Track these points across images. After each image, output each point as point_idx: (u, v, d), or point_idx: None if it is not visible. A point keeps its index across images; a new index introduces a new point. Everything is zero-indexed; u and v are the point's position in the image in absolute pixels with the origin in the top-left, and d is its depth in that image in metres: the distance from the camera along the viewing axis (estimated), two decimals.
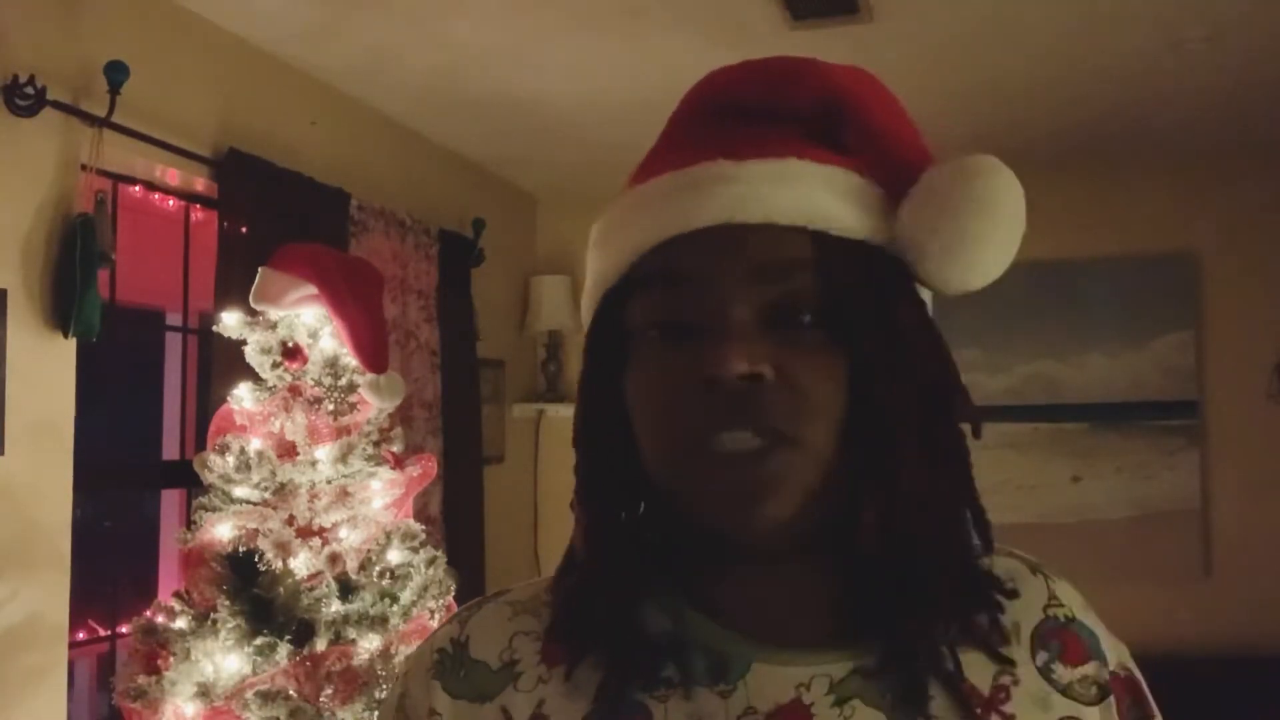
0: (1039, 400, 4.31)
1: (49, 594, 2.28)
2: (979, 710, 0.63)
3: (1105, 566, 4.18)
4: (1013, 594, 0.68)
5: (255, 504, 2.18)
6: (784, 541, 0.63)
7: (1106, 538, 4.24)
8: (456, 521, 3.60)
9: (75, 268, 2.24)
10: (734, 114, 0.67)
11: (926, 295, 0.67)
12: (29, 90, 2.18)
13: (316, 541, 2.19)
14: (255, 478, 2.17)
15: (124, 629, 2.59)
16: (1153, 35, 3.00)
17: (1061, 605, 0.70)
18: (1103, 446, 4.30)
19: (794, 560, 0.65)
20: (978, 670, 0.64)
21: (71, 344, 2.32)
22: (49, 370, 2.28)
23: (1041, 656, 0.66)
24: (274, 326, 2.29)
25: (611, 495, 0.67)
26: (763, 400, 0.60)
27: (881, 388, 0.62)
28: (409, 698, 0.69)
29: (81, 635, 2.81)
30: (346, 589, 2.16)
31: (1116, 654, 0.70)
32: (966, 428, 0.66)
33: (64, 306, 2.25)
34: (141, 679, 2.06)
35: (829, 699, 0.62)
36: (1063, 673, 0.66)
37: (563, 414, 4.49)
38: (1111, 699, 0.67)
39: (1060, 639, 0.68)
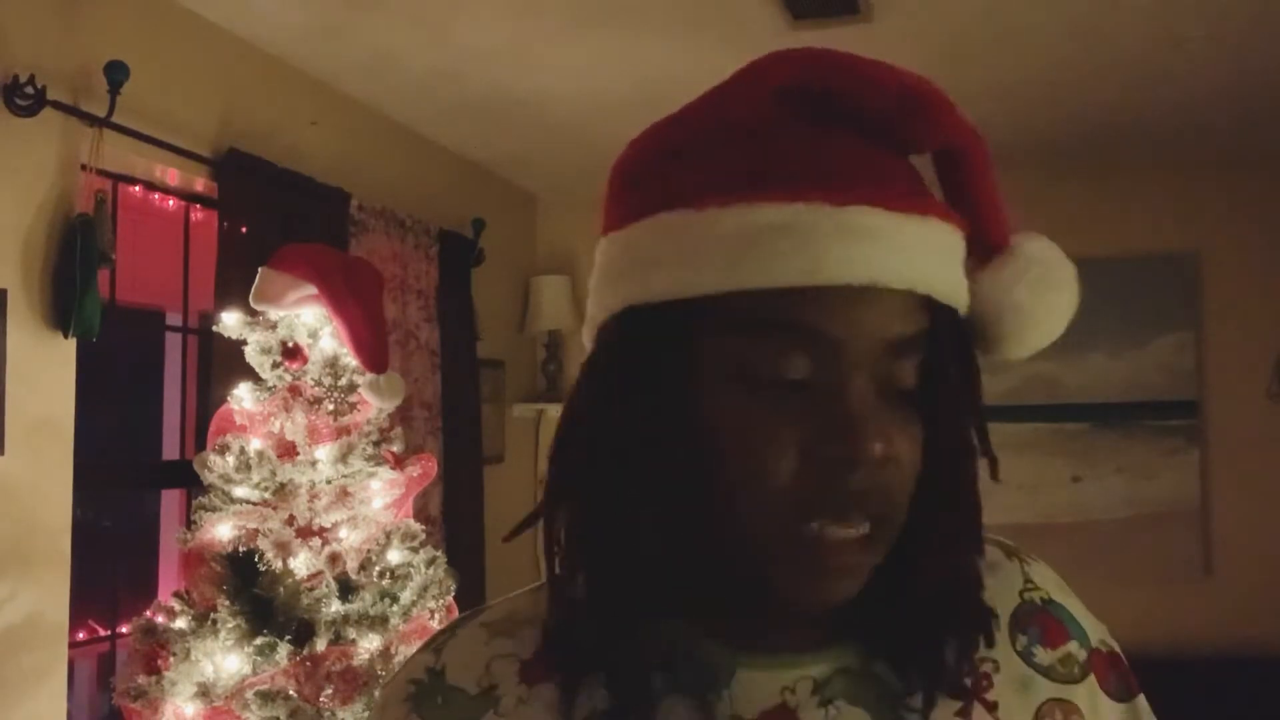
0: (1039, 400, 4.31)
1: (49, 594, 2.28)
2: (962, 701, 0.63)
3: (1105, 566, 4.18)
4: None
5: (255, 504, 2.18)
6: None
7: (1106, 538, 4.24)
8: (456, 521, 3.60)
9: (75, 268, 2.24)
10: (857, 127, 0.60)
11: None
12: (29, 90, 2.18)
13: (316, 541, 2.19)
14: (255, 478, 2.17)
15: (124, 629, 2.59)
16: (1153, 35, 3.00)
17: (1037, 588, 0.69)
18: (1103, 446, 4.31)
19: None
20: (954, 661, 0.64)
21: (71, 344, 2.32)
22: (49, 370, 2.28)
23: (1021, 641, 0.66)
24: (274, 326, 2.29)
25: (647, 528, 0.61)
26: (881, 485, 0.58)
27: (951, 450, 0.62)
28: None
29: (81, 635, 2.81)
30: (346, 589, 2.16)
31: (1096, 631, 0.70)
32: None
33: (64, 306, 2.25)
34: (141, 679, 2.06)
35: (814, 700, 0.62)
36: (1043, 655, 0.66)
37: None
38: (1093, 676, 0.67)
39: (1038, 622, 0.68)
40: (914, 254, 0.57)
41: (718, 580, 0.63)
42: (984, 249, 0.63)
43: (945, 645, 0.63)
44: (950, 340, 0.61)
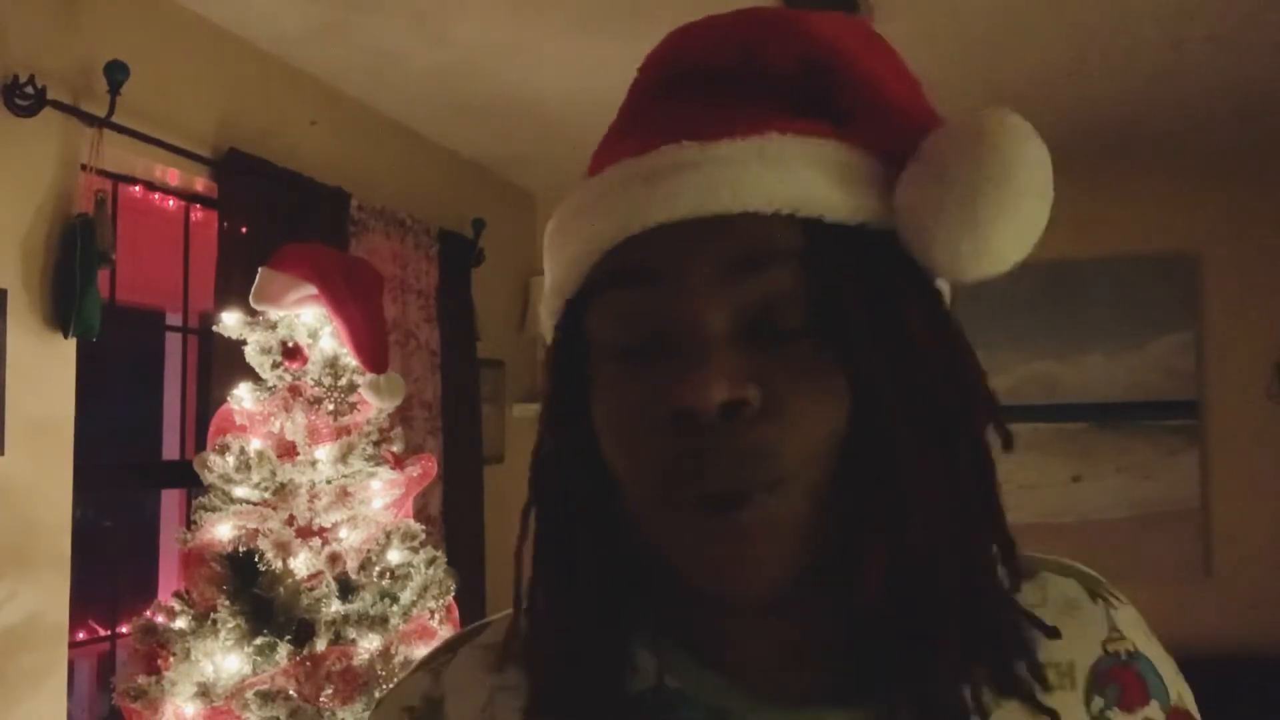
0: (1039, 400, 4.31)
1: (49, 594, 2.28)
2: None
3: (1105, 566, 4.14)
4: (1053, 633, 0.57)
5: (255, 504, 2.18)
6: (774, 598, 0.52)
7: (1106, 538, 4.24)
8: (456, 521, 3.60)
9: (75, 268, 2.24)
10: (699, 83, 0.57)
11: (944, 285, 0.57)
12: (29, 90, 2.18)
13: (316, 541, 2.19)
14: (255, 478, 2.17)
15: (124, 629, 2.59)
16: (1154, 35, 3.00)
17: (1123, 638, 0.60)
18: (1103, 446, 4.31)
19: (791, 606, 0.54)
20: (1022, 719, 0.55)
21: (71, 344, 2.32)
22: (49, 370, 2.28)
23: (1097, 703, 0.58)
24: (274, 326, 2.29)
25: (584, 539, 0.56)
26: (747, 434, 0.49)
27: (886, 406, 0.51)
28: None
29: (81, 635, 2.81)
30: (346, 589, 2.16)
31: (1175, 685, 0.62)
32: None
33: (64, 306, 2.25)
34: (141, 679, 2.06)
35: None
36: (1119, 719, 0.58)
37: None
38: None
39: (1120, 680, 0.59)
40: (742, 175, 0.51)
41: (674, 590, 0.57)
42: (906, 150, 0.53)
43: (961, 685, 0.54)
44: (846, 261, 0.52)
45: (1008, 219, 0.51)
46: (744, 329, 0.51)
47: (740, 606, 0.53)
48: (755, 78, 0.56)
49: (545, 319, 0.61)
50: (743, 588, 0.51)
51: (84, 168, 2.32)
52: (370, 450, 2.28)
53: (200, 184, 2.77)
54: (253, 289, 2.27)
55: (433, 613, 2.28)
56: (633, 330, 0.53)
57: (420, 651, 2.11)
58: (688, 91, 0.57)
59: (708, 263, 0.51)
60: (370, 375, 2.30)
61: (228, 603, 2.07)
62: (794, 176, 0.52)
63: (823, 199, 0.52)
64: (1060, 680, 0.57)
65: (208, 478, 2.20)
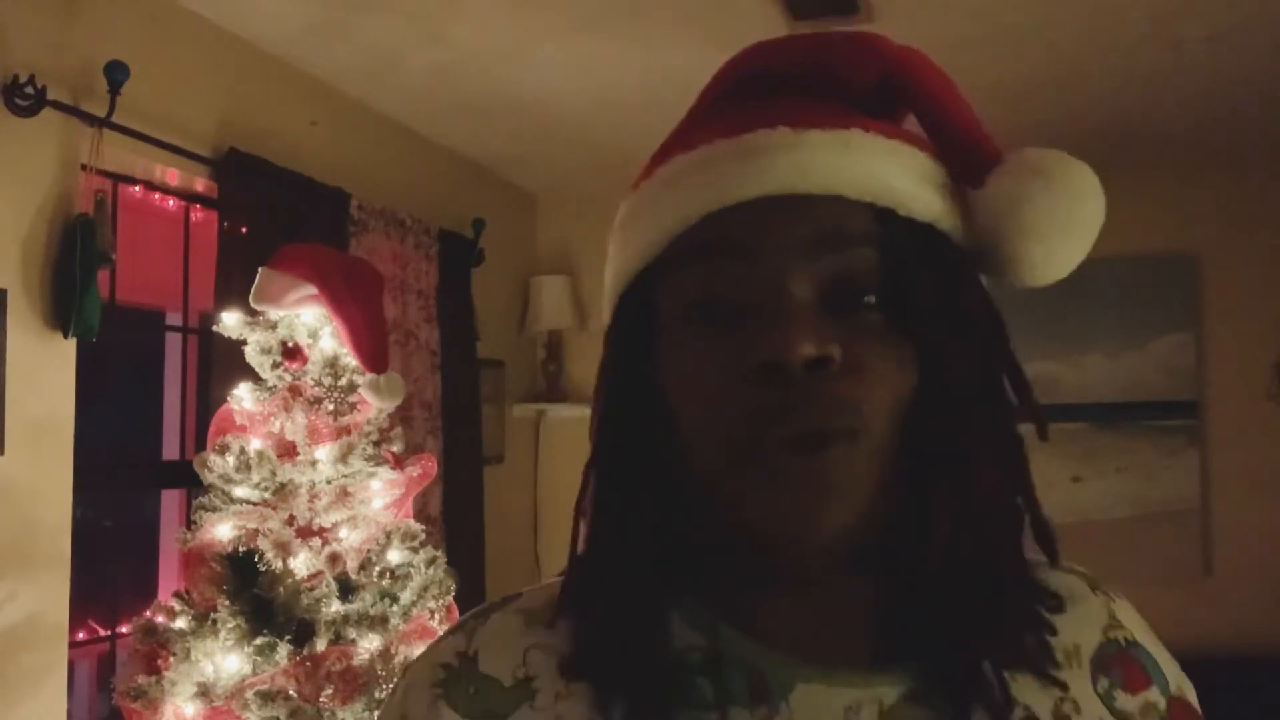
0: (1039, 400, 4.30)
1: (49, 594, 2.28)
2: None
3: (1105, 566, 4.14)
4: (1056, 608, 0.63)
5: (255, 504, 2.18)
6: (834, 554, 0.57)
7: (1106, 538, 4.24)
8: (456, 521, 3.60)
9: (75, 268, 2.24)
10: (786, 87, 0.62)
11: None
12: (29, 90, 2.18)
13: (316, 541, 2.19)
14: (255, 478, 2.17)
15: (124, 629, 2.59)
16: (1153, 35, 3.00)
17: (1122, 627, 0.66)
18: (1103, 446, 4.31)
19: (839, 574, 0.59)
20: (1035, 696, 0.60)
21: (71, 344, 2.32)
22: (49, 370, 2.28)
23: (1102, 683, 0.62)
24: (274, 326, 2.29)
25: (640, 501, 0.60)
26: (828, 390, 0.54)
27: (952, 377, 0.57)
28: (410, 716, 0.62)
29: (81, 635, 2.81)
30: (346, 589, 2.16)
31: (1175, 680, 0.66)
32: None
33: (64, 306, 2.25)
34: (141, 679, 2.06)
35: None
36: (1124, 700, 0.62)
37: (563, 414, 4.49)
38: None
39: (1122, 664, 0.64)
40: (831, 160, 0.57)
41: (723, 554, 0.60)
42: (975, 169, 0.60)
43: (981, 645, 0.59)
44: (917, 249, 0.58)
45: (1076, 238, 0.59)
46: (824, 300, 0.56)
47: (802, 550, 0.56)
48: (836, 88, 0.62)
49: (610, 292, 0.64)
50: (815, 530, 0.55)
51: (84, 168, 2.32)
52: (370, 450, 2.28)
53: (200, 184, 2.77)
54: (253, 289, 2.27)
55: (433, 613, 2.28)
56: (718, 297, 0.57)
57: (420, 651, 2.11)
58: (775, 92, 0.62)
59: (796, 237, 0.56)
60: (370, 375, 2.30)
61: (228, 603, 2.07)
62: (875, 169, 0.58)
63: (898, 192, 0.58)
64: (1067, 661, 0.61)
65: (208, 478, 2.20)
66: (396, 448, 2.38)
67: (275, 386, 2.27)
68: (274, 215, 2.82)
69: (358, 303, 2.29)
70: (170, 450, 3.23)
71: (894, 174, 0.58)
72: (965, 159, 0.61)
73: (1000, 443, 0.59)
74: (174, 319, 3.21)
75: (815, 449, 0.54)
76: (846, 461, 0.55)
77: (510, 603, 0.65)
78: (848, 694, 0.58)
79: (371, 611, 2.14)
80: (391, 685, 1.31)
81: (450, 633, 0.65)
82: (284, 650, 2.06)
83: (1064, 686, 0.60)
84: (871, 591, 0.60)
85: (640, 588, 0.60)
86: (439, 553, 2.38)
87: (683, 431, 0.58)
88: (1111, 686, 0.62)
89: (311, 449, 2.23)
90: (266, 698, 2.01)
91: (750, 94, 0.63)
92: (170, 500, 3.22)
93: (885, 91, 0.62)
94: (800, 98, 0.61)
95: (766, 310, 0.55)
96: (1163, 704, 0.64)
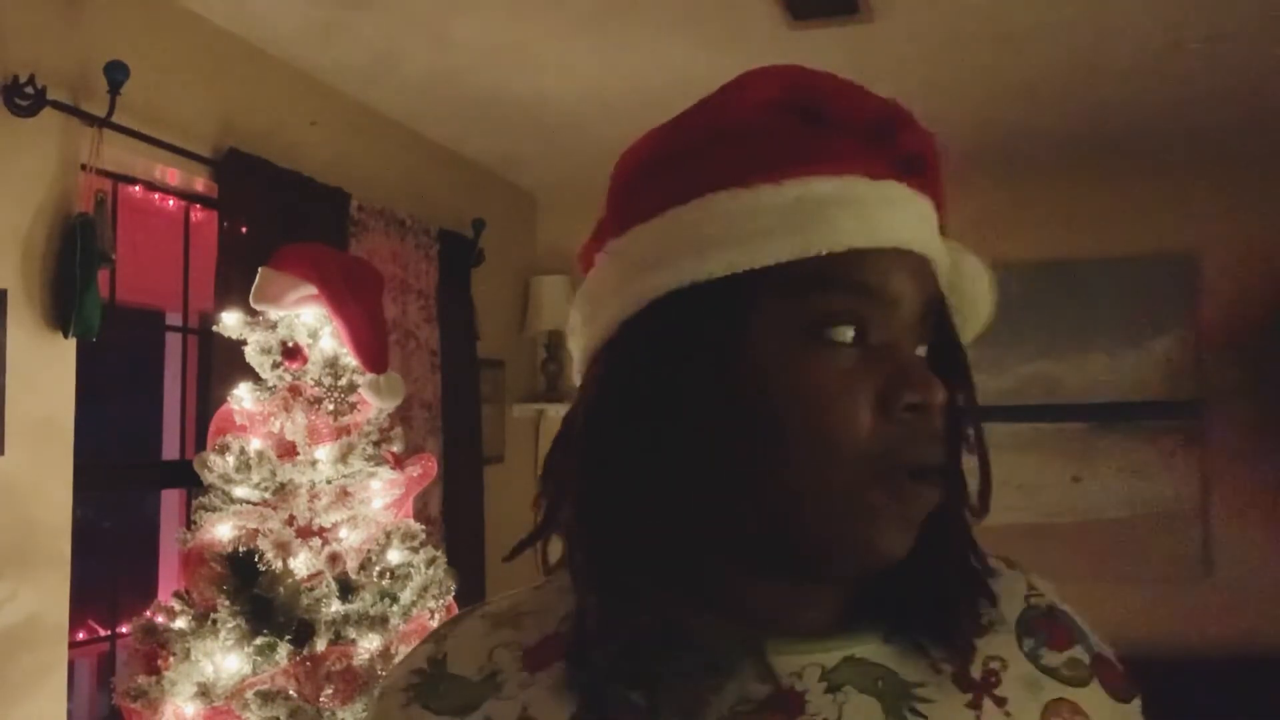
0: (1039, 400, 4.31)
1: (49, 594, 2.28)
2: (972, 694, 0.65)
3: (1105, 566, 4.18)
4: (991, 572, 0.72)
5: (255, 504, 2.18)
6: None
7: (1106, 538, 4.24)
8: (456, 521, 3.60)
9: (75, 268, 2.24)
10: (852, 131, 0.66)
11: None
12: (29, 90, 2.18)
13: (316, 541, 2.19)
14: (255, 478, 2.17)
15: (124, 629, 2.59)
16: (1153, 36, 3.00)
17: (1041, 595, 0.72)
18: (1103, 446, 4.30)
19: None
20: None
21: (71, 344, 2.32)
22: (49, 370, 2.28)
23: (1028, 643, 0.69)
24: (274, 326, 2.29)
25: (661, 499, 0.63)
26: (941, 425, 0.63)
27: (966, 410, 0.67)
28: None
29: (81, 635, 2.81)
30: (346, 589, 2.16)
31: (1096, 640, 0.73)
32: None
33: (64, 306, 2.25)
34: (141, 679, 2.06)
35: (821, 686, 0.63)
36: (1050, 657, 0.68)
37: (563, 414, 4.48)
38: (1097, 680, 0.69)
39: (1044, 627, 0.70)
40: (926, 225, 0.65)
41: (748, 551, 0.64)
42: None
43: (960, 614, 0.67)
44: (945, 310, 0.67)
45: (981, 317, 0.71)
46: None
47: (865, 569, 0.63)
48: (888, 148, 0.66)
49: (642, 289, 0.64)
50: (894, 556, 0.62)
51: (84, 168, 2.32)
52: (370, 450, 2.28)
53: (200, 184, 2.77)
54: (253, 289, 2.27)
55: (433, 613, 2.28)
56: (863, 331, 0.62)
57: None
58: (852, 134, 0.65)
59: (921, 293, 0.64)
60: (370, 375, 2.30)
61: (228, 603, 2.07)
62: (933, 229, 0.66)
63: (937, 251, 0.66)
64: (995, 626, 0.69)
65: (208, 478, 2.20)
66: (396, 448, 2.38)
67: (275, 386, 2.27)
68: (274, 215, 2.82)
69: (358, 303, 2.29)
70: (170, 450, 3.24)
71: (934, 233, 0.67)
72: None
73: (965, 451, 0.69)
74: (174, 319, 3.21)
75: (932, 481, 0.62)
76: (935, 494, 0.63)
77: (478, 609, 0.71)
78: (792, 660, 0.64)
79: (371, 611, 2.14)
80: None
81: (423, 642, 0.70)
82: (284, 650, 2.06)
83: (987, 618, 0.68)
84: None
85: (646, 581, 0.63)
86: (439, 553, 2.38)
87: (793, 443, 0.60)
88: (1037, 645, 0.69)
89: (311, 449, 2.23)
90: (266, 698, 2.02)
91: (828, 127, 0.66)
92: (170, 500, 3.22)
93: (917, 165, 0.68)
94: (875, 149, 0.66)
95: (902, 353, 0.62)
96: (1087, 659, 0.70)
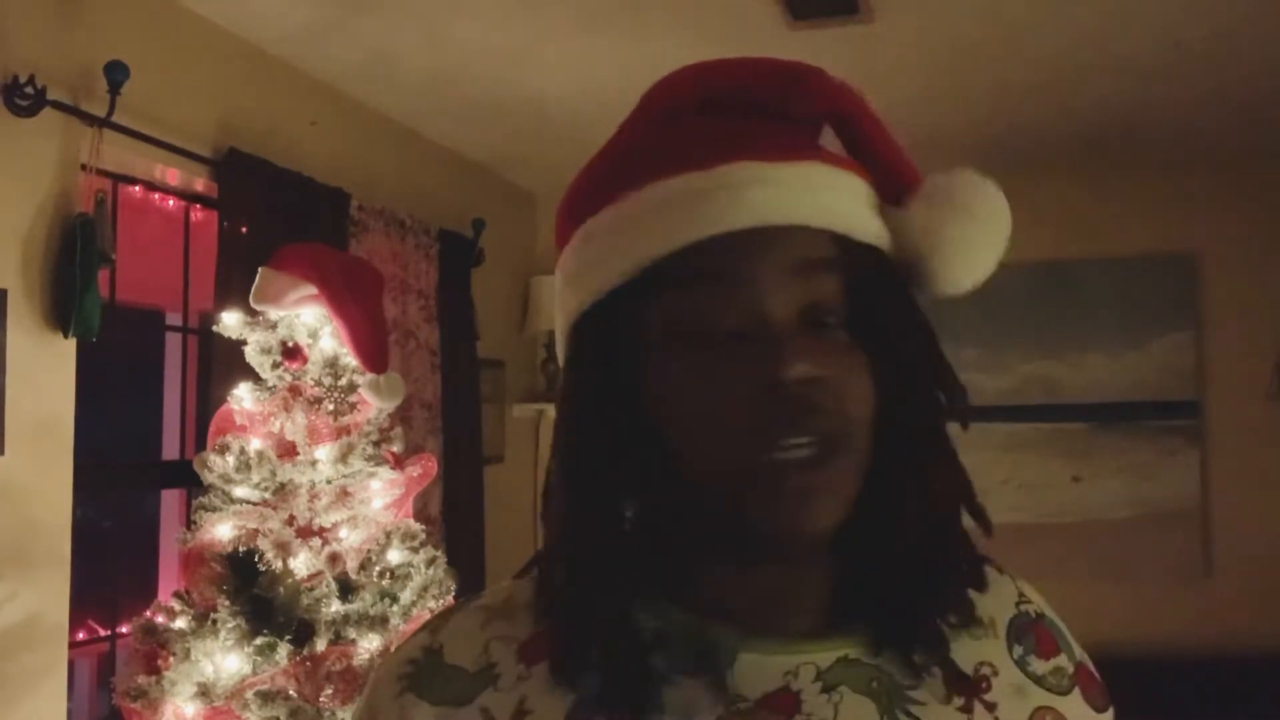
0: (1039, 400, 4.31)
1: (49, 594, 2.28)
2: (963, 697, 0.65)
3: (1105, 566, 4.18)
4: (979, 580, 0.71)
5: (255, 504, 2.18)
6: (821, 545, 0.63)
7: (1106, 538, 4.24)
8: (456, 521, 3.60)
9: (75, 268, 2.24)
10: (744, 111, 0.67)
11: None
12: (29, 90, 2.18)
13: (316, 541, 2.19)
14: (255, 478, 2.17)
15: (124, 629, 2.59)
16: (1153, 36, 3.00)
17: (1030, 602, 0.73)
18: (1103, 446, 4.31)
19: (799, 557, 0.65)
20: (960, 658, 0.67)
21: (71, 344, 2.32)
22: (49, 370, 2.28)
23: (1017, 650, 0.70)
24: (274, 326, 2.29)
25: (612, 502, 0.66)
26: (819, 404, 0.60)
27: (911, 386, 0.64)
28: (378, 713, 0.67)
29: (81, 635, 2.81)
30: (346, 589, 2.16)
31: (1079, 650, 0.74)
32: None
33: (64, 306, 2.25)
34: (141, 679, 2.07)
35: (816, 686, 0.63)
36: (1037, 665, 0.70)
37: None
38: (1078, 689, 0.71)
39: (1033, 634, 0.71)
40: (797, 194, 0.63)
41: (694, 545, 0.66)
42: (899, 193, 0.68)
43: (939, 616, 0.67)
44: (874, 276, 0.65)
45: (986, 253, 0.67)
46: (801, 321, 0.62)
47: (796, 547, 0.62)
48: (790, 115, 0.67)
49: (570, 310, 0.68)
50: (812, 533, 0.61)
51: (84, 168, 2.32)
52: (370, 450, 2.28)
53: (200, 184, 2.77)
54: (253, 289, 2.27)
55: (433, 613, 2.28)
56: (709, 321, 0.62)
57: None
58: (733, 117, 0.67)
59: (775, 265, 0.62)
60: (370, 375, 2.31)
61: (228, 603, 2.07)
62: (834, 200, 0.64)
63: (851, 219, 0.65)
64: (985, 631, 0.69)
65: (208, 478, 2.20)
66: (396, 448, 2.38)
67: (275, 386, 2.27)
68: (274, 215, 2.82)
69: (358, 303, 2.29)
70: (170, 450, 3.24)
71: (847, 202, 0.65)
72: (892, 183, 0.68)
73: (943, 440, 0.67)
74: (174, 319, 3.22)
75: (813, 460, 0.60)
76: (841, 470, 0.61)
77: (471, 602, 0.71)
78: (787, 659, 0.64)
79: (371, 611, 2.14)
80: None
81: (417, 632, 0.71)
82: (284, 650, 2.06)
83: (984, 626, 0.68)
84: (819, 571, 0.67)
85: (607, 579, 0.64)
86: (439, 553, 2.38)
87: (676, 443, 0.62)
88: (1025, 653, 0.70)
89: (311, 449, 2.23)
90: (266, 698, 2.02)
91: (705, 117, 0.68)
92: (170, 500, 3.22)
93: (833, 122, 0.68)
94: (757, 126, 0.66)
95: (757, 334, 0.61)
96: (1070, 668, 0.71)
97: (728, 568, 0.65)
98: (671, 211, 0.63)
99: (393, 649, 0.78)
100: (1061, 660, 0.71)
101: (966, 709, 0.65)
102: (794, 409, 0.60)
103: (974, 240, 0.66)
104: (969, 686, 0.66)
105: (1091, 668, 0.73)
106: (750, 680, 0.63)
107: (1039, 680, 0.69)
